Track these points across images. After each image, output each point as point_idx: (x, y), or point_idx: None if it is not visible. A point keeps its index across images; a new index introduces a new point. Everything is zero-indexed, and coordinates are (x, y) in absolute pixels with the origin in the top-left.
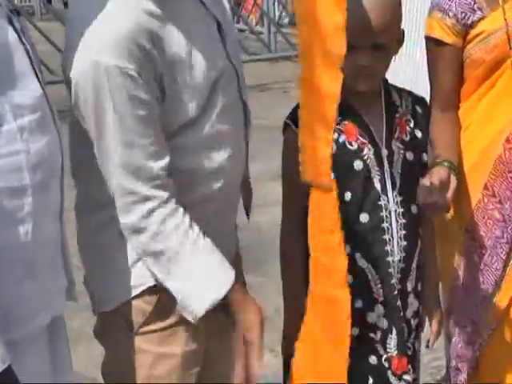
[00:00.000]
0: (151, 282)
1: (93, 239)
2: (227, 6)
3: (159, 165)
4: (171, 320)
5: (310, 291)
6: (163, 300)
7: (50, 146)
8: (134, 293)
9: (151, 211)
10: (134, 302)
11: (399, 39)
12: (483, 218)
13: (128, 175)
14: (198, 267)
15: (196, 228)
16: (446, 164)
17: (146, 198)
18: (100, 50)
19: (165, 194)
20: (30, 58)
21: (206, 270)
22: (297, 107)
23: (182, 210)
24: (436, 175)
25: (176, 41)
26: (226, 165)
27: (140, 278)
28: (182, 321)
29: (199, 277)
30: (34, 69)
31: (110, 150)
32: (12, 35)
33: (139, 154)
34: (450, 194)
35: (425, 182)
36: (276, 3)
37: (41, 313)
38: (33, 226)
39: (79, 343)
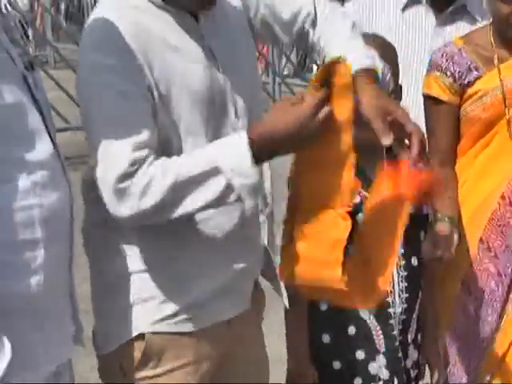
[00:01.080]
0: (139, 330)
1: (94, 288)
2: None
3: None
4: (160, 369)
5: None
6: (151, 348)
7: (61, 199)
8: (125, 339)
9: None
10: (125, 348)
11: (396, 94)
12: (479, 270)
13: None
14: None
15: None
16: (447, 220)
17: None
18: (90, 46)
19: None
20: (42, 115)
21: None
22: None
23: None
24: (440, 231)
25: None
26: None
27: (130, 326)
28: (173, 370)
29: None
30: (46, 126)
31: (96, 131)
32: (26, 95)
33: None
34: (453, 249)
35: (429, 237)
36: (281, 55)
37: (46, 362)
38: (44, 277)
39: None
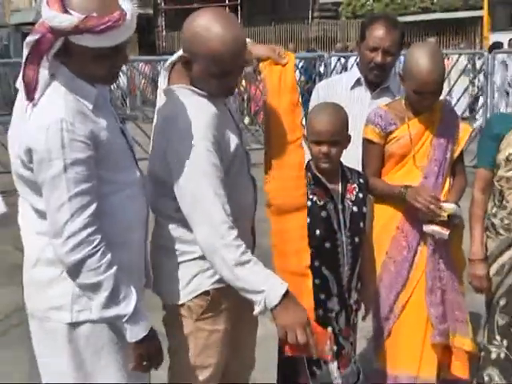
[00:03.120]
0: (205, 288)
1: (168, 261)
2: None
3: (227, 207)
4: (219, 308)
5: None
6: (213, 299)
7: (143, 203)
8: (196, 293)
9: (237, 238)
10: (195, 300)
11: (348, 139)
12: (396, 245)
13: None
14: (266, 275)
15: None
16: (405, 188)
17: (232, 227)
18: (194, 135)
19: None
20: (132, 153)
21: (270, 276)
22: None
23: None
24: (423, 190)
25: (226, 134)
26: (244, 208)
27: (198, 284)
28: (224, 309)
29: (268, 280)
30: (134, 159)
31: (206, 199)
32: (124, 140)
33: (221, 200)
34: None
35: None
36: None
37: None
38: (136, 249)
39: None
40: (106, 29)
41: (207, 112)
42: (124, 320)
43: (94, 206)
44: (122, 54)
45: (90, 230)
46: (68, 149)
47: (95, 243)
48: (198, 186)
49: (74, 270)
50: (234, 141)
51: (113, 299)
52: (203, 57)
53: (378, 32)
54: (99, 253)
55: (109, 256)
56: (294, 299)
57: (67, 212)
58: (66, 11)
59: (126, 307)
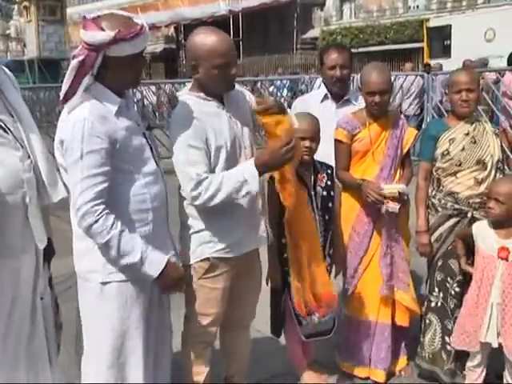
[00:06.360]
0: (207, 255)
1: (183, 232)
2: (249, 111)
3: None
4: (217, 272)
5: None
6: (213, 263)
7: (161, 189)
8: (200, 258)
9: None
10: (199, 263)
11: (319, 139)
12: (359, 221)
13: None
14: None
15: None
16: (361, 181)
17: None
18: (182, 134)
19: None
20: (152, 151)
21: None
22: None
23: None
24: (371, 185)
25: (215, 126)
26: None
27: (201, 252)
28: (222, 273)
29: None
30: (153, 155)
31: (179, 161)
32: (144, 141)
33: (194, 162)
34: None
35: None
36: None
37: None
38: (153, 225)
39: None
40: (135, 36)
41: (193, 108)
42: (138, 266)
43: (101, 187)
44: (142, 59)
45: (93, 203)
46: (86, 141)
47: (97, 213)
48: (177, 160)
49: (87, 234)
50: (224, 133)
51: (122, 252)
52: (206, 57)
53: (333, 55)
54: (101, 220)
55: (109, 222)
56: (264, 166)
57: (79, 189)
58: (102, 30)
59: (135, 257)
